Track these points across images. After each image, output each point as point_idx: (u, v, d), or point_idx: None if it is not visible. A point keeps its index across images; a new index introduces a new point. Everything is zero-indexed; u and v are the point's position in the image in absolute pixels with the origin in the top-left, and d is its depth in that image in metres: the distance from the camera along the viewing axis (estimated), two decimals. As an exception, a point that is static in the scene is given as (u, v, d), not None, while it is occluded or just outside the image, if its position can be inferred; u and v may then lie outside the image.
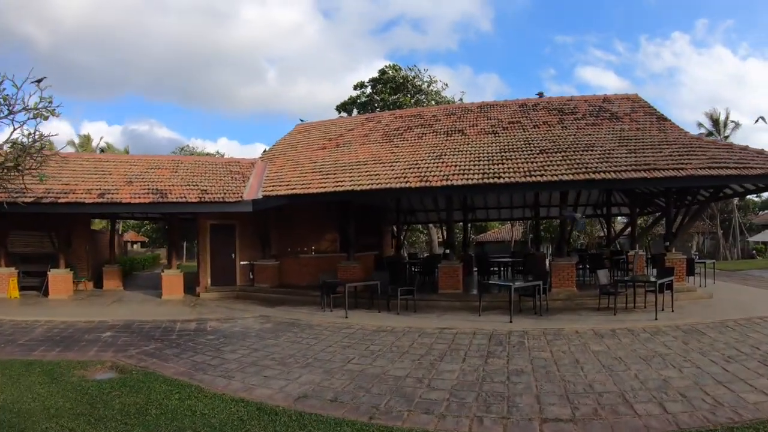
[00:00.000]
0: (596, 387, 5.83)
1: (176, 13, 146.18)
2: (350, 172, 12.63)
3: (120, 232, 44.79)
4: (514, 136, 14.11)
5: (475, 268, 20.26)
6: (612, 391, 5.66)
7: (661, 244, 30.97)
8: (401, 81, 29.94)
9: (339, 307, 11.80)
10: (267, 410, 5.25)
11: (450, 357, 7.32)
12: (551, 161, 11.57)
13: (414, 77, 30.48)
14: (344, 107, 31.58)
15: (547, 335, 8.67)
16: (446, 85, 32.48)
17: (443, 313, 11.24)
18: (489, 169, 11.42)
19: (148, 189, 13.07)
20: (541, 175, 10.79)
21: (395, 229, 22.58)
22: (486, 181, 10.84)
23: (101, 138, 43.10)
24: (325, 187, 11.96)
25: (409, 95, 29.57)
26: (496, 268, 16.06)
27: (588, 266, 15.92)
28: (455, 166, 11.89)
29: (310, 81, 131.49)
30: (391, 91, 29.60)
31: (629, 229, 23.23)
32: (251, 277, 15.98)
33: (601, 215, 22.28)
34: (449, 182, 11.03)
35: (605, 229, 22.36)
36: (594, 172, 10.70)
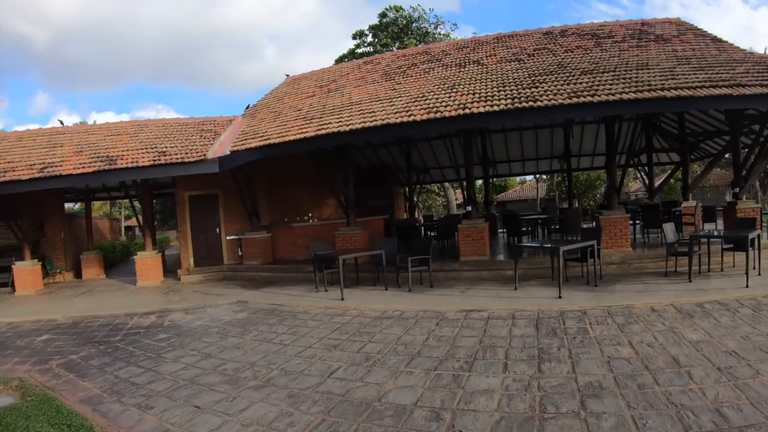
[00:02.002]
0: (730, 416, 3.40)
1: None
2: (339, 114, 10.00)
3: (126, 217, 43.18)
4: (544, 61, 11.24)
5: (501, 230, 17.80)
6: (759, 424, 3.24)
7: (700, 196, 27.92)
8: (404, 23, 26.57)
9: (338, 284, 9.53)
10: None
11: (484, 362, 4.89)
12: (600, 81, 8.78)
13: (419, 18, 27.10)
14: (342, 61, 28.41)
15: (614, 316, 6.18)
16: (455, 25, 29.09)
17: (468, 288, 8.82)
18: (519, 93, 8.69)
19: (97, 157, 10.75)
20: (593, 96, 8.05)
21: (407, 190, 20.02)
22: (517, 105, 8.13)
23: (94, 122, 40.75)
24: (305, 133, 9.39)
25: (414, 39, 26.26)
26: (526, 228, 13.48)
27: (639, 221, 13.18)
28: (473, 94, 9.18)
29: (310, 52, 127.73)
30: (394, 36, 26.35)
31: (666, 179, 20.56)
32: (240, 253, 13.73)
33: (639, 164, 19.34)
34: (467, 110, 8.35)
35: (646, 179, 19.39)
36: (662, 89, 7.93)
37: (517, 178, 45.29)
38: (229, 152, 10.07)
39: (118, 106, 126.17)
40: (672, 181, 23.65)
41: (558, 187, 36.33)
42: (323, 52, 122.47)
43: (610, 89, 8.19)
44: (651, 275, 8.78)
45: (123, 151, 10.98)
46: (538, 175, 34.21)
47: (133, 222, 46.13)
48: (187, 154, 10.30)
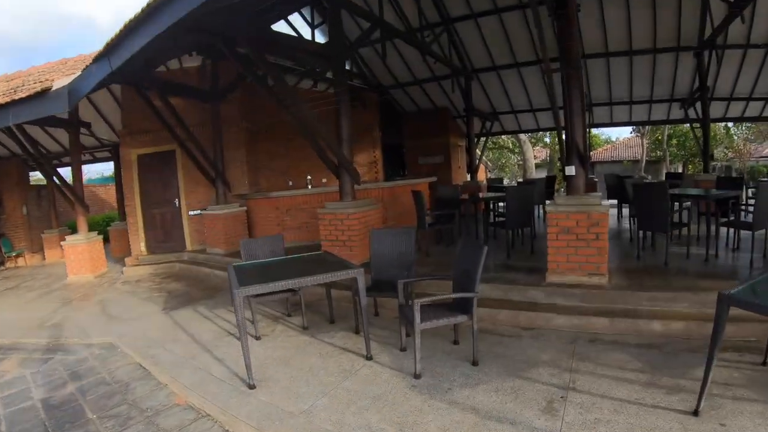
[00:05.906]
0: None
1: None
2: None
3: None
4: None
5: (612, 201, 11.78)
6: None
7: None
8: None
9: (300, 313, 4.97)
10: None
11: None
12: None
13: None
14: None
15: None
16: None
17: (565, 380, 3.45)
18: None
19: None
20: None
21: (467, 143, 14.60)
22: None
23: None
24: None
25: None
26: (678, 215, 6.49)
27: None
28: None
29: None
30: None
31: None
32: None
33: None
34: None
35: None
36: None
37: (602, 136, 36.43)
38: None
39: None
40: None
41: (667, 144, 27.76)
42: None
43: None
44: None
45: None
46: (644, 128, 26.19)
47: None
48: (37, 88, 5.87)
